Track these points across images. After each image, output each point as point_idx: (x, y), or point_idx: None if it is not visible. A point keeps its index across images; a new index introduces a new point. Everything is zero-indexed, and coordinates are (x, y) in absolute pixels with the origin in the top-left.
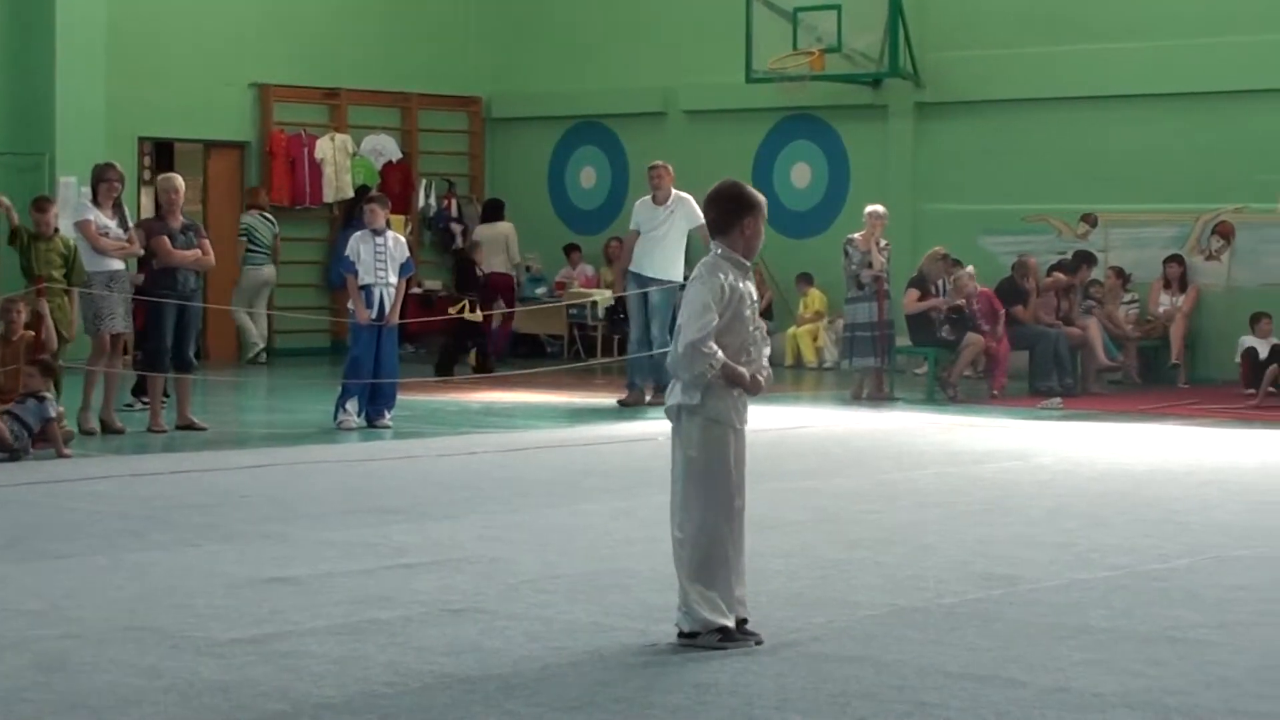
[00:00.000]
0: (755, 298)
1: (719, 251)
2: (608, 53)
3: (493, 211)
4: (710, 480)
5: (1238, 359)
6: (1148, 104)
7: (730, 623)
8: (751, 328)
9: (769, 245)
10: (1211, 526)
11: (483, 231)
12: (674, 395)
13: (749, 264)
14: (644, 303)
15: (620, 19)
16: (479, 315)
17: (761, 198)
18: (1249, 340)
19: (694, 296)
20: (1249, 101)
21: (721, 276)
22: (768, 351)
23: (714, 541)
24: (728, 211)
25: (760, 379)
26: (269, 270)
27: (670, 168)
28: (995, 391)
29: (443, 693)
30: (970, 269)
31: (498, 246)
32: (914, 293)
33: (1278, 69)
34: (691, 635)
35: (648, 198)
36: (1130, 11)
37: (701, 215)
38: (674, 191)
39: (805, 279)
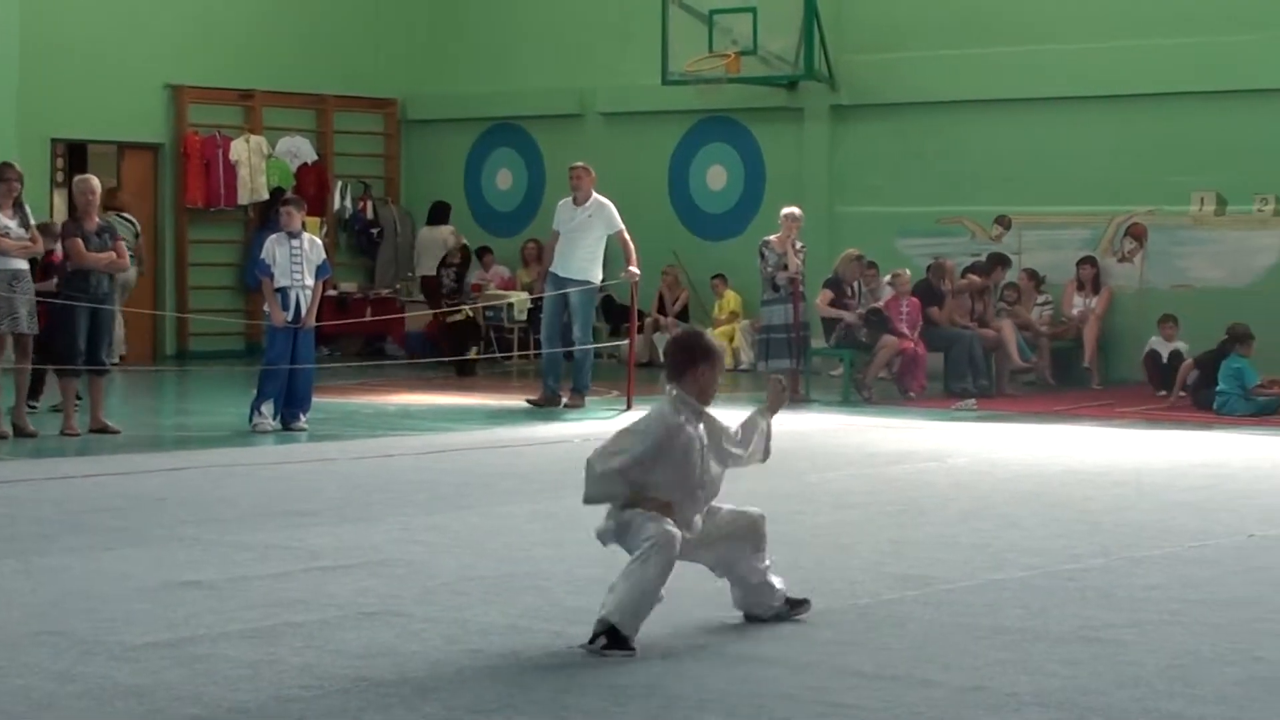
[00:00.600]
0: (705, 444)
1: (675, 394)
2: (524, 55)
3: (436, 215)
4: None
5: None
6: (1061, 107)
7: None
8: (699, 473)
9: (685, 246)
10: (1124, 527)
11: (424, 235)
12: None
13: (702, 409)
14: (562, 303)
15: (536, 21)
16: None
17: (718, 348)
18: (1154, 342)
19: (643, 421)
20: (1161, 104)
21: (679, 417)
22: (714, 500)
23: None
24: (681, 360)
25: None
26: (131, 273)
27: (590, 169)
28: (913, 394)
29: (358, 696)
30: (906, 272)
31: (435, 249)
32: (827, 294)
33: (1189, 72)
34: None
35: (569, 199)
36: (1044, 15)
37: (619, 223)
38: (594, 195)
39: (721, 279)
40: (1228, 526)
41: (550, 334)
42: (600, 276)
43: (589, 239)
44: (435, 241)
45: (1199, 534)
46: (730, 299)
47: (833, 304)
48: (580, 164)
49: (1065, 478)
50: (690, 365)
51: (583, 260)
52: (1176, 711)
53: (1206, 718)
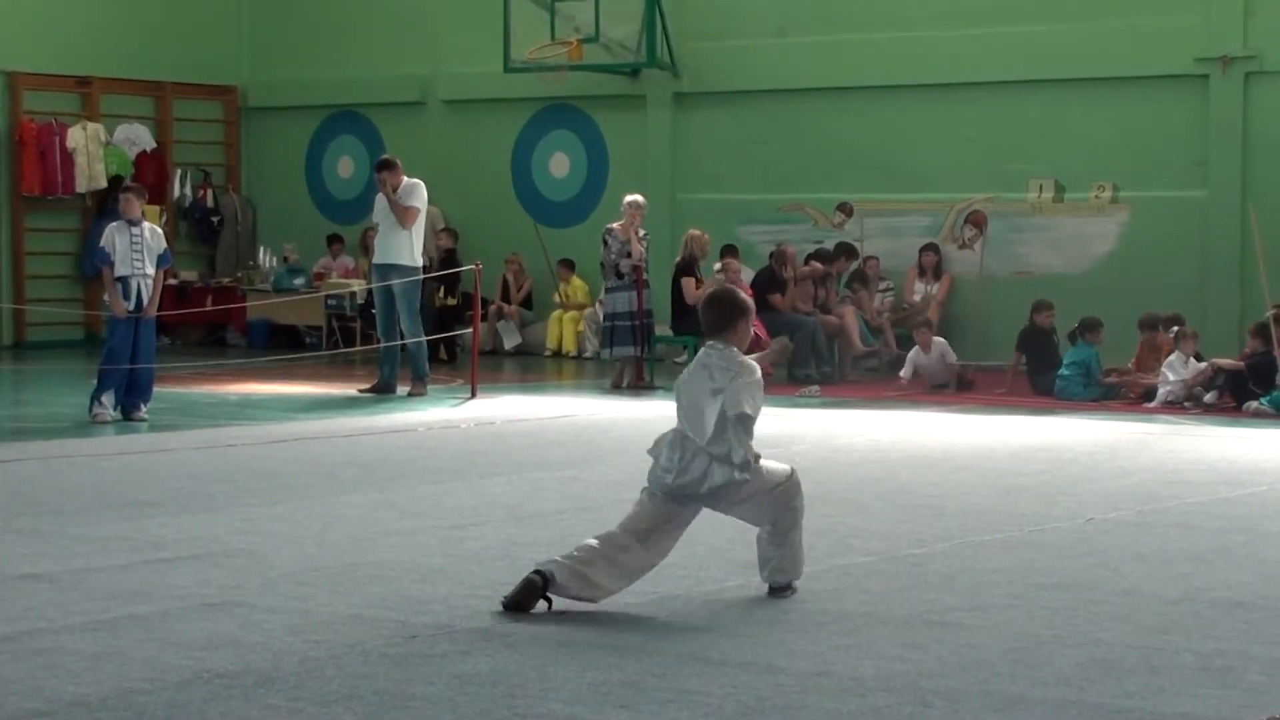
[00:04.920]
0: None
1: (723, 348)
2: (365, 41)
3: None
4: None
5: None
6: (902, 94)
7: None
8: None
9: (527, 235)
10: (966, 511)
11: None
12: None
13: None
14: (390, 292)
15: (378, 7)
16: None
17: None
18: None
19: (747, 370)
20: (1000, 93)
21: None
22: None
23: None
24: (725, 315)
25: None
26: None
27: (399, 162)
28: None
29: (201, 688)
30: (734, 262)
31: None
32: (691, 280)
33: (1028, 61)
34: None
35: None
36: (885, 3)
37: (419, 199)
38: (405, 179)
39: (567, 265)
40: (1067, 511)
41: (384, 324)
42: (421, 263)
43: (402, 225)
44: None
45: (1039, 518)
46: (576, 286)
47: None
48: (384, 156)
49: (908, 463)
50: (736, 319)
51: (401, 248)
52: (1018, 693)
53: (1047, 699)
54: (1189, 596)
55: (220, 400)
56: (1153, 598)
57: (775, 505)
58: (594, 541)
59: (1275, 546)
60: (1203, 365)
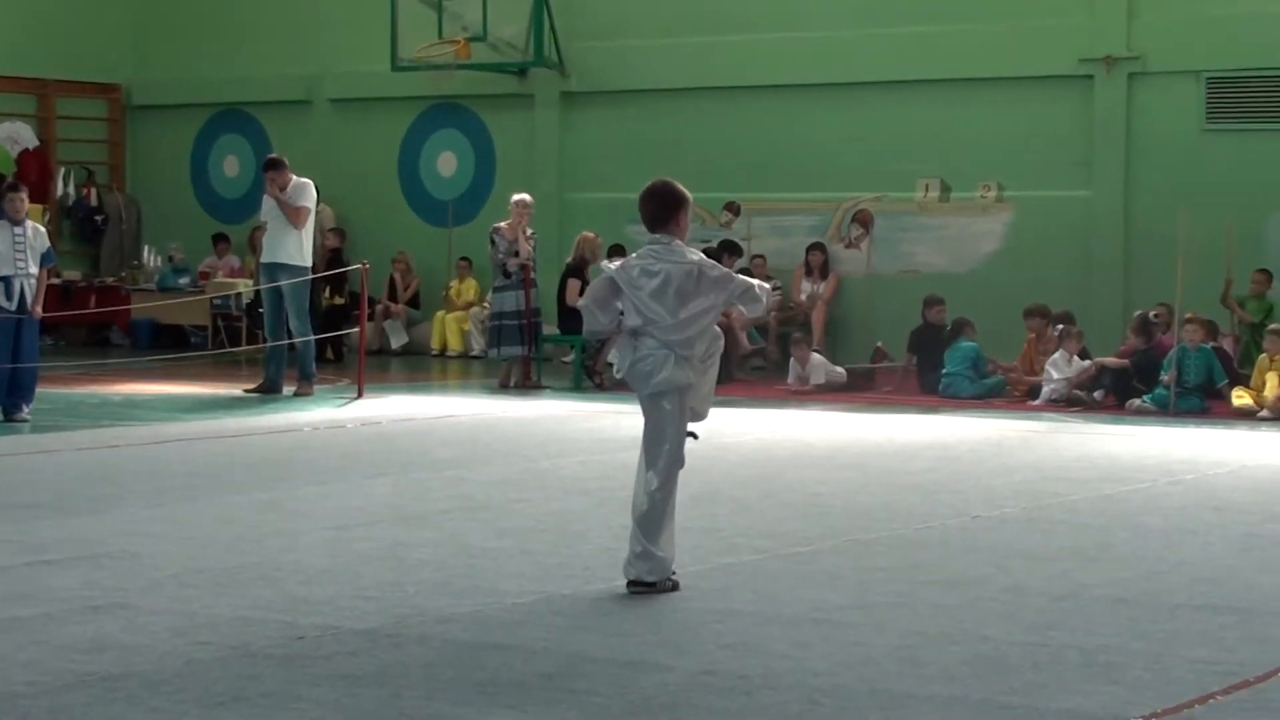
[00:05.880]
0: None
1: (670, 241)
2: (252, 40)
3: None
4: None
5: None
6: (789, 94)
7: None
8: None
9: (415, 234)
10: (853, 509)
11: None
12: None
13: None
14: (278, 292)
15: (264, 6)
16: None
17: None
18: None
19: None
20: (887, 92)
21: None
22: None
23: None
24: (664, 208)
25: None
26: None
27: (286, 162)
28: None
29: (84, 691)
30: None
31: None
32: (577, 283)
33: (916, 60)
34: (651, 584)
35: None
36: (773, 4)
37: (309, 199)
38: (294, 178)
39: (466, 264)
40: (953, 508)
41: (272, 323)
42: (310, 262)
43: (293, 225)
44: None
45: (925, 516)
46: (470, 286)
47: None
48: (272, 155)
49: (795, 461)
50: (675, 210)
51: (290, 247)
52: (904, 691)
53: (933, 697)
54: (1073, 593)
55: (104, 401)
56: (1037, 594)
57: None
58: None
59: (1158, 543)
60: (1086, 364)
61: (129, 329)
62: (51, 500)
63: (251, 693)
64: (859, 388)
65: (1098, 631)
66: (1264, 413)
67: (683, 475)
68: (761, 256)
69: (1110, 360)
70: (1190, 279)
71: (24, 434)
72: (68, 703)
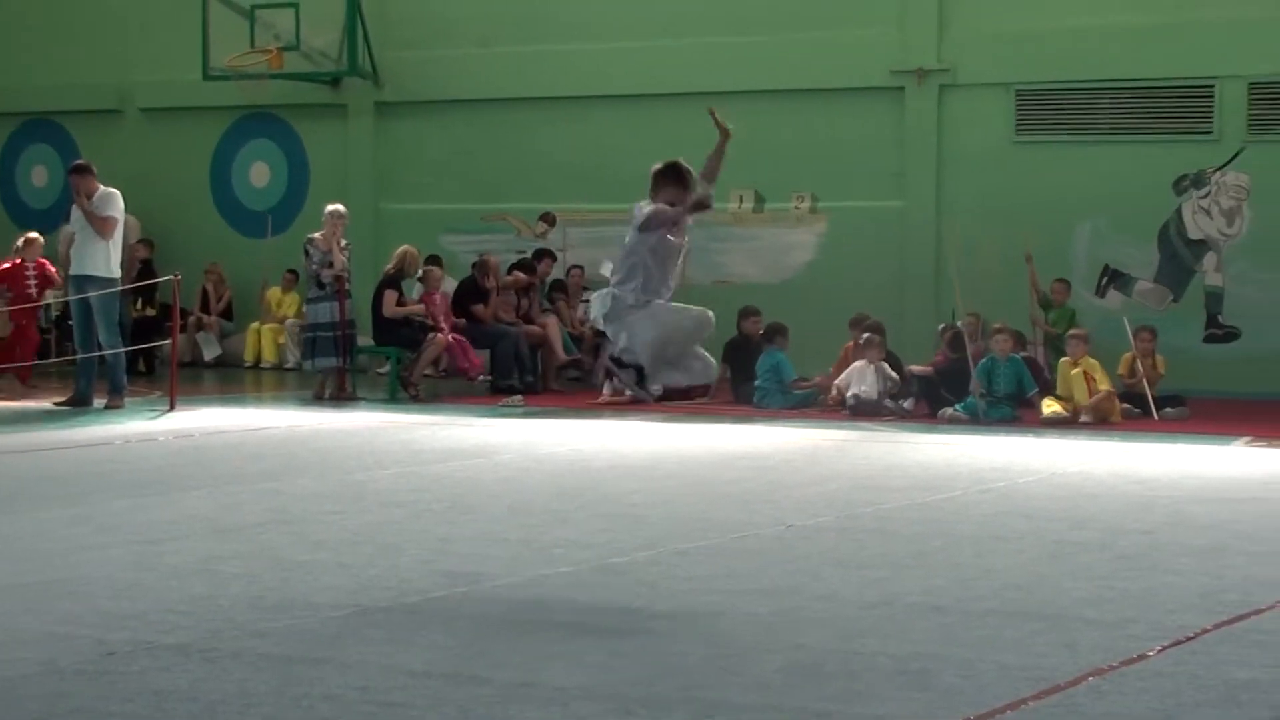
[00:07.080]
0: None
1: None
2: (60, 48)
3: None
4: None
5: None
6: (604, 105)
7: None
8: None
9: (227, 244)
10: (669, 519)
11: None
12: None
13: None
14: (87, 304)
15: (73, 14)
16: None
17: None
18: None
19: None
20: (699, 103)
21: None
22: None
23: None
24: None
25: None
26: None
27: (93, 167)
28: (475, 378)
29: None
30: (436, 270)
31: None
32: (392, 294)
33: (729, 71)
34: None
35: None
36: (588, 15)
37: (115, 209)
38: (100, 188)
39: (293, 276)
40: (768, 517)
41: (82, 336)
42: (118, 274)
43: (93, 234)
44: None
45: (741, 525)
46: (293, 298)
47: (400, 303)
48: (78, 160)
49: (611, 472)
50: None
51: (98, 259)
52: (719, 699)
53: (749, 705)
54: (886, 600)
55: None
56: (851, 602)
57: None
58: None
59: (970, 551)
60: (893, 375)
61: None
62: None
63: (61, 710)
64: (674, 398)
65: (911, 639)
66: (1085, 417)
67: (498, 487)
68: (580, 267)
69: (918, 368)
70: (1000, 289)
71: None
72: None
